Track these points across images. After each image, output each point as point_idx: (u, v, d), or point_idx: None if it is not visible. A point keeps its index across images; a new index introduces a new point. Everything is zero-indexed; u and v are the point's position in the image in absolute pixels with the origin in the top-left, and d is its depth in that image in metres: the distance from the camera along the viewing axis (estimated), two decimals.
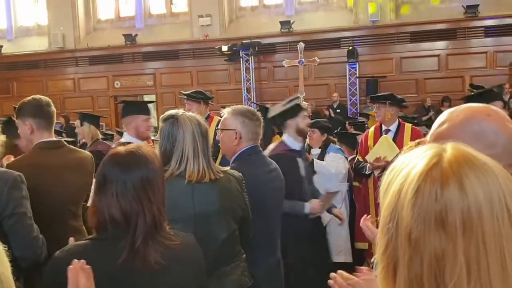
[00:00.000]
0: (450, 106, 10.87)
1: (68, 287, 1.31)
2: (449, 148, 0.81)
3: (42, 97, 2.68)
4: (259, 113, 2.67)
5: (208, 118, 4.54)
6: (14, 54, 14.39)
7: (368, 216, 2.10)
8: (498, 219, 0.73)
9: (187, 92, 4.62)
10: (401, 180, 0.79)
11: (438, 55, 12.04)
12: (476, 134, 1.18)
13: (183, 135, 2.05)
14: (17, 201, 2.13)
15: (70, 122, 10.85)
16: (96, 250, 1.50)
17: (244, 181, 2.21)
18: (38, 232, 2.20)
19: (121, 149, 1.56)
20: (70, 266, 1.34)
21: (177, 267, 1.55)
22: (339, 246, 4.49)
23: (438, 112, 10.57)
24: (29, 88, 14.05)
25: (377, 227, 4.04)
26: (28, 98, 2.66)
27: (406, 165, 0.81)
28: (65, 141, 4.65)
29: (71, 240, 1.61)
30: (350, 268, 4.46)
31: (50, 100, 2.69)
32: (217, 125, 4.14)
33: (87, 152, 2.85)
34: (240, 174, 2.21)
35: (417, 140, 2.36)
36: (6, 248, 1.05)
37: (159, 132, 2.15)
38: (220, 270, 2.08)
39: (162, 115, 2.18)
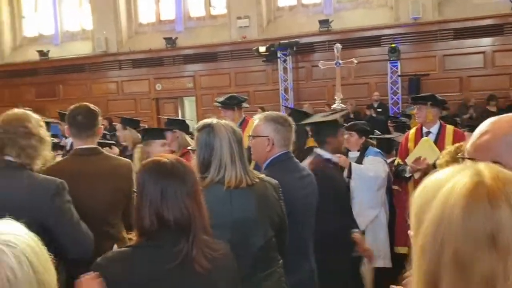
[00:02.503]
0: (497, 105, 10.55)
1: None
2: (484, 167, 0.79)
3: (82, 106, 2.72)
4: (290, 119, 2.66)
5: (243, 122, 4.55)
6: (60, 58, 14.94)
7: None
8: None
9: (221, 100, 4.64)
10: (443, 197, 0.78)
11: (483, 52, 11.60)
12: None
13: (220, 143, 2.08)
14: (61, 207, 2.22)
15: (113, 123, 11.16)
16: (139, 256, 1.54)
17: (280, 188, 2.21)
18: (87, 230, 2.30)
19: (163, 158, 1.60)
20: (83, 277, 1.39)
21: (218, 274, 1.59)
22: (378, 251, 4.39)
23: (481, 111, 10.27)
24: (75, 91, 14.61)
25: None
26: (73, 105, 2.74)
27: (445, 181, 0.79)
28: (106, 143, 4.83)
29: (115, 247, 1.66)
30: (389, 273, 4.39)
31: (90, 110, 2.70)
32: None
33: (124, 159, 2.88)
34: (277, 182, 2.22)
35: (456, 144, 2.28)
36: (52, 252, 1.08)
37: (195, 141, 2.19)
38: (257, 276, 2.09)
39: (197, 125, 2.20)
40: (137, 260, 1.49)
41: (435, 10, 11.93)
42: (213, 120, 2.18)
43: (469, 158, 1.30)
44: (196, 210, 1.56)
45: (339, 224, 3.22)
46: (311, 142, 4.54)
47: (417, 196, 0.86)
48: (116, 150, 4.87)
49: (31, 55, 15.22)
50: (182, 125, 4.76)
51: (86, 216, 2.46)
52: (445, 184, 0.79)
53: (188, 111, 14.68)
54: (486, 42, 11.56)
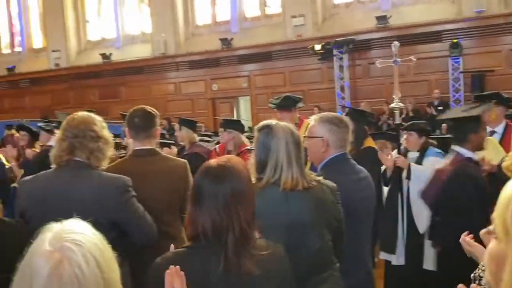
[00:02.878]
0: None
1: None
2: None
3: (139, 109, 2.80)
4: (347, 119, 2.63)
5: (298, 122, 4.52)
6: (122, 61, 15.56)
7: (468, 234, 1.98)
8: None
9: (276, 101, 4.60)
10: None
11: None
12: None
13: (277, 144, 2.09)
14: (129, 201, 2.37)
15: (172, 123, 11.47)
16: (191, 258, 1.58)
17: (338, 192, 2.18)
18: (151, 220, 2.43)
19: (213, 162, 1.63)
20: (167, 271, 1.44)
21: (263, 278, 1.58)
22: None
23: None
24: (136, 93, 15.16)
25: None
26: (132, 108, 2.85)
27: None
28: (165, 143, 4.97)
29: (172, 247, 1.72)
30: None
31: (147, 112, 2.78)
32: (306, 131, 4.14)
33: (181, 160, 2.95)
34: (335, 185, 2.18)
35: None
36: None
37: (254, 142, 2.21)
38: (313, 280, 2.08)
39: (257, 126, 2.23)
40: (187, 262, 1.52)
41: (500, 3, 11.32)
42: (273, 121, 2.19)
43: None
44: (248, 213, 1.57)
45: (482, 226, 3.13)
46: (368, 142, 4.46)
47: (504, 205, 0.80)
48: (174, 150, 5.02)
49: (95, 58, 15.96)
50: (238, 125, 4.82)
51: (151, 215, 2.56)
52: None
53: (243, 110, 14.82)
54: None
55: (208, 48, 14.34)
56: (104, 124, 2.45)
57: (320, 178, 2.21)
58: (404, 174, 4.28)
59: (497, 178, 4.09)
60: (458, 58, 11.54)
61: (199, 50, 14.52)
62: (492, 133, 4.26)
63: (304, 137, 2.64)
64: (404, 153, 4.40)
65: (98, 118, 2.43)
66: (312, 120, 2.60)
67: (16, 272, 1.05)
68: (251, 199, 1.62)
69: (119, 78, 15.61)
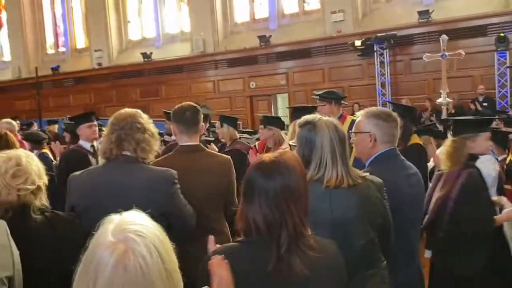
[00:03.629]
0: None
1: (212, 278, 1.42)
2: None
3: (187, 104, 2.85)
4: (395, 114, 2.57)
5: (341, 118, 4.48)
6: (162, 60, 15.82)
7: None
8: None
9: (319, 93, 4.61)
10: None
11: None
12: None
13: (321, 140, 2.06)
14: (176, 193, 2.44)
15: (212, 121, 11.61)
16: (243, 253, 1.57)
17: (384, 187, 2.13)
18: (193, 210, 2.50)
19: (266, 156, 1.62)
20: (211, 261, 1.44)
21: (319, 276, 1.56)
22: None
23: None
24: (175, 91, 15.40)
25: None
26: (179, 104, 2.89)
27: None
28: (207, 140, 5.01)
29: (211, 238, 1.72)
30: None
31: (195, 108, 2.83)
32: (350, 126, 4.09)
33: (224, 156, 2.95)
34: (381, 181, 2.13)
35: None
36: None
37: (296, 138, 2.19)
38: (357, 277, 2.04)
39: (299, 121, 2.21)
40: (239, 257, 1.52)
41: None
42: (316, 116, 2.16)
43: None
44: (300, 209, 1.55)
45: None
46: (415, 138, 4.35)
47: None
48: (213, 147, 5.04)
49: (136, 57, 16.31)
50: (278, 122, 4.81)
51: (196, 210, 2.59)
52: None
53: (281, 108, 14.80)
54: None
55: (246, 46, 14.38)
56: (150, 120, 2.49)
57: (366, 174, 2.17)
58: None
59: None
60: (504, 53, 11.11)
61: (237, 48, 14.58)
62: None
63: (351, 132, 2.61)
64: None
65: (144, 114, 2.48)
66: (359, 115, 2.56)
67: (79, 264, 1.08)
68: (304, 196, 1.59)
69: (160, 77, 15.88)
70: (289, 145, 3.54)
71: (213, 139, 5.74)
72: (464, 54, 3.61)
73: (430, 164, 4.38)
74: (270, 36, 14.09)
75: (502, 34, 11.06)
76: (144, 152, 2.38)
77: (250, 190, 1.57)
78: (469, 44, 11.15)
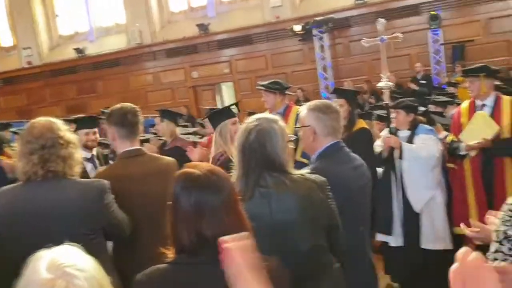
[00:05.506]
0: None
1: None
2: None
3: (129, 105, 2.71)
4: (335, 105, 2.52)
5: (286, 109, 4.42)
6: (97, 54, 15.16)
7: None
8: None
9: (263, 83, 4.53)
10: None
11: None
12: None
13: (240, 147, 1.99)
14: (109, 204, 2.32)
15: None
16: (183, 274, 1.44)
17: (328, 186, 2.05)
18: (124, 216, 2.40)
19: (191, 170, 1.49)
20: (226, 244, 1.29)
21: None
22: (437, 233, 4.20)
23: None
24: (114, 86, 14.85)
25: (478, 211, 3.68)
26: (117, 105, 2.72)
27: None
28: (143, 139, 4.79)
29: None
30: (450, 255, 4.19)
31: (136, 109, 2.70)
32: (296, 117, 4.02)
33: (169, 159, 2.81)
34: (324, 179, 2.04)
35: None
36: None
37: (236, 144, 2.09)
38: (309, 285, 1.94)
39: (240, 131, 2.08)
40: (178, 279, 1.40)
41: None
42: (253, 119, 2.05)
43: None
44: (236, 222, 1.44)
45: None
46: (360, 123, 4.36)
47: None
48: (151, 146, 4.83)
49: (68, 53, 15.52)
50: (229, 114, 4.66)
51: (138, 219, 2.48)
52: None
53: (227, 96, 14.64)
54: None
55: (185, 35, 14.05)
56: (67, 127, 2.30)
57: (306, 173, 2.07)
58: (397, 153, 4.21)
59: (492, 153, 4.05)
60: (437, 30, 11.48)
61: (176, 38, 14.21)
62: (483, 106, 4.18)
63: (296, 127, 2.54)
64: (394, 132, 4.32)
65: (58, 121, 2.27)
66: (302, 109, 2.50)
67: None
68: (237, 207, 1.49)
69: (96, 72, 15.23)
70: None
71: (147, 137, 5.51)
72: (401, 36, 3.64)
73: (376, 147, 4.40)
74: (209, 24, 13.83)
75: (433, 12, 11.40)
76: (71, 168, 2.20)
77: (179, 204, 1.44)
78: (404, 23, 11.42)
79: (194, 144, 4.85)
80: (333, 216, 2.05)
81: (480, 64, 4.35)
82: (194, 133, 6.52)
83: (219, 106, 12.48)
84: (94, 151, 4.15)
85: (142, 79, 14.93)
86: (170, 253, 1.49)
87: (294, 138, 2.11)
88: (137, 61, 14.85)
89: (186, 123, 8.20)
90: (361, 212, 2.49)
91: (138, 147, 2.74)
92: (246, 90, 13.08)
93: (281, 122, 2.04)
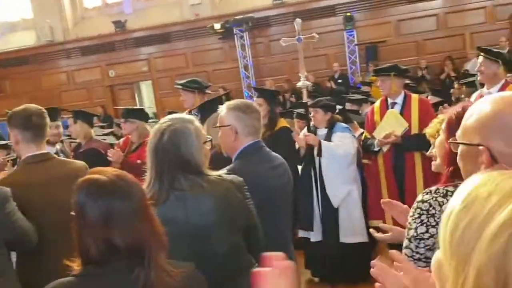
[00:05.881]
0: (453, 64, 10.67)
1: None
2: None
3: (33, 107, 2.54)
4: (255, 105, 2.51)
5: None
6: (3, 51, 14.09)
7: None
8: None
9: (181, 82, 4.42)
10: (505, 231, 0.56)
11: (436, 15, 11.68)
12: (504, 127, 1.07)
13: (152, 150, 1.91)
14: (11, 213, 2.23)
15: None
16: (88, 287, 1.35)
17: (245, 186, 2.02)
18: (30, 225, 2.29)
19: (96, 176, 1.39)
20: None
21: None
22: (354, 227, 4.36)
23: (438, 73, 10.41)
24: (23, 86, 13.90)
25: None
26: (19, 107, 2.55)
27: (499, 205, 0.58)
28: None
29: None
30: (367, 247, 4.34)
31: (43, 111, 2.55)
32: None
33: (79, 162, 2.67)
34: (241, 179, 2.02)
35: (440, 117, 2.18)
36: None
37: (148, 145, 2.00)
38: (228, 286, 1.92)
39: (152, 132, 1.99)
40: None
41: None
42: (164, 121, 1.96)
43: (459, 143, 1.22)
44: (148, 229, 1.37)
45: None
46: (282, 122, 4.40)
47: (451, 220, 0.63)
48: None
49: None
50: (140, 114, 4.51)
51: (45, 228, 2.34)
52: (503, 207, 0.57)
53: (146, 96, 14.25)
54: (438, 4, 11.63)
55: (100, 32, 13.47)
56: None
57: (223, 174, 2.04)
58: (316, 151, 4.31)
59: (402, 148, 4.26)
60: (352, 31, 11.98)
61: (90, 35, 13.59)
62: (393, 104, 4.38)
63: (215, 127, 2.49)
64: (313, 131, 4.41)
65: None
66: (221, 108, 2.45)
67: None
68: (148, 213, 1.42)
69: (2, 71, 14.16)
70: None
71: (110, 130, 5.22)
72: (317, 36, 3.70)
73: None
74: (125, 21, 13.38)
75: (348, 14, 11.88)
76: None
77: (89, 214, 1.35)
78: (321, 24, 11.79)
79: (111, 145, 4.65)
80: (251, 217, 2.02)
81: (390, 64, 4.57)
82: (112, 134, 6.26)
83: (138, 105, 12.14)
84: (58, 146, 3.94)
85: (55, 78, 14.13)
86: (75, 265, 1.39)
87: (210, 139, 2.04)
88: (48, 59, 14.02)
89: (102, 124, 7.86)
90: (282, 212, 2.48)
91: (45, 151, 2.56)
92: (166, 89, 12.82)
93: (197, 122, 1.98)
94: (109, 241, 1.33)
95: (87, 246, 1.34)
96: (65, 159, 2.90)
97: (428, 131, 2.16)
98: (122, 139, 4.84)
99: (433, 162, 2.16)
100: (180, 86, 4.43)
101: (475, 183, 0.63)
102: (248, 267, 2.01)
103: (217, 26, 12.25)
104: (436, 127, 2.07)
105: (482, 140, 1.11)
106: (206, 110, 3.47)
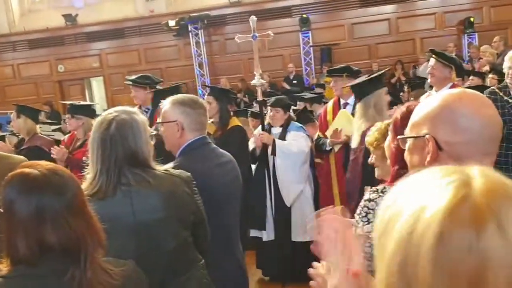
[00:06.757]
0: (403, 69, 11.00)
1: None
2: (477, 174, 0.58)
3: None
4: (201, 101, 2.45)
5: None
6: None
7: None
8: None
9: (132, 78, 4.29)
10: (412, 217, 0.56)
11: (388, 19, 11.99)
12: (448, 120, 1.13)
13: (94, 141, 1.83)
14: None
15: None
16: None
17: (194, 181, 1.97)
18: None
19: (27, 170, 1.29)
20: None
21: None
22: (306, 225, 4.37)
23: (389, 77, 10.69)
24: None
25: (341, 203, 3.87)
26: None
27: (416, 196, 0.58)
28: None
29: None
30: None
31: None
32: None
33: (19, 157, 2.53)
34: (189, 174, 1.96)
35: (386, 121, 2.20)
36: None
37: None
38: (174, 282, 1.87)
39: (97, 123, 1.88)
40: None
41: None
42: (108, 113, 1.87)
43: (407, 137, 1.24)
44: (84, 226, 1.30)
45: None
46: (234, 121, 4.34)
47: (380, 210, 0.64)
48: (4, 144, 4.35)
49: None
50: (86, 110, 4.34)
51: None
52: (415, 199, 0.58)
53: (97, 92, 13.84)
54: (390, 9, 11.95)
55: (49, 25, 12.95)
56: None
57: (170, 169, 1.98)
58: (270, 150, 4.29)
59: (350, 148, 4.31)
60: (307, 33, 12.10)
61: (39, 28, 13.04)
62: (345, 105, 4.43)
63: (157, 123, 2.40)
64: (268, 129, 4.39)
65: None
66: (164, 104, 2.35)
67: None
68: (84, 209, 1.34)
69: None
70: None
71: (2, 135, 4.96)
72: (272, 35, 3.67)
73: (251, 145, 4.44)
74: (76, 15, 12.95)
75: (304, 15, 12.00)
76: None
77: (19, 210, 1.25)
78: (278, 24, 11.82)
79: (56, 142, 4.45)
80: (198, 212, 1.98)
81: (343, 65, 4.62)
82: (59, 131, 6.03)
83: (89, 101, 11.76)
84: None
85: None
86: (3, 266, 1.29)
87: (154, 133, 1.96)
88: None
89: (50, 121, 7.56)
90: (229, 210, 2.43)
91: None
92: (117, 85, 12.49)
93: (142, 115, 1.89)
94: (41, 240, 1.25)
95: (17, 245, 1.26)
96: (4, 154, 2.73)
97: (367, 139, 2.18)
98: (67, 135, 4.65)
99: (376, 170, 2.18)
100: (130, 82, 4.31)
101: (408, 179, 0.64)
102: (196, 263, 1.96)
103: (172, 23, 12.07)
104: (374, 135, 2.10)
105: (429, 130, 1.15)
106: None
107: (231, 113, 4.48)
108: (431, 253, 0.54)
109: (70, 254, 1.26)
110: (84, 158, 3.43)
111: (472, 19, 11.20)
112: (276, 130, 4.42)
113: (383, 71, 4.14)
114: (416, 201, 0.58)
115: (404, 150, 1.26)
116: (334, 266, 1.00)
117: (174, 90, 3.53)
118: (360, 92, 3.66)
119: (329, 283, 0.99)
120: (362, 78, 3.82)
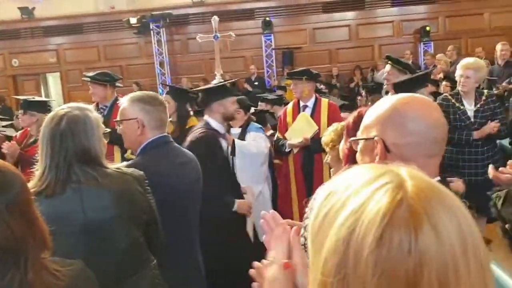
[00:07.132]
0: (361, 74, 11.27)
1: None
2: (407, 176, 0.60)
3: None
4: (161, 98, 2.41)
5: (116, 102, 4.17)
6: None
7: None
8: (471, 272, 0.55)
9: (90, 75, 4.20)
10: (350, 219, 0.57)
11: (349, 25, 12.25)
12: (396, 123, 1.17)
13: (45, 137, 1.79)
14: None
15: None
16: None
17: (146, 180, 1.94)
18: None
19: None
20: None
21: None
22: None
23: (347, 81, 10.90)
24: None
25: (299, 203, 3.90)
26: None
27: (353, 195, 0.59)
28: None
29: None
30: None
31: None
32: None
33: None
34: (141, 173, 1.93)
35: (342, 123, 2.26)
36: None
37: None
38: (124, 283, 1.83)
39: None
40: None
41: None
42: (61, 109, 1.83)
43: (358, 139, 1.28)
44: (26, 226, 1.24)
45: None
46: (193, 121, 4.32)
47: (316, 208, 0.63)
48: None
49: None
50: (41, 106, 4.20)
51: None
52: (352, 198, 0.59)
53: (53, 88, 13.43)
54: (350, 16, 12.21)
55: (4, 18, 12.47)
56: None
57: (123, 165, 1.95)
58: (229, 150, 4.29)
59: (312, 150, 4.38)
60: (270, 36, 12.19)
61: None
62: (305, 107, 4.50)
63: (116, 121, 2.34)
64: (227, 130, 4.39)
65: None
66: (122, 101, 2.31)
67: None
68: (28, 209, 1.28)
69: None
70: None
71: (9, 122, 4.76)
72: (234, 36, 3.71)
73: None
74: (33, 8, 12.53)
75: (267, 18, 12.07)
76: None
77: None
78: (240, 26, 11.86)
79: (7, 138, 4.30)
80: (151, 211, 1.95)
81: (303, 68, 4.69)
82: (11, 126, 5.82)
83: (45, 97, 11.39)
84: None
85: None
86: None
87: (108, 131, 1.92)
88: None
89: (1, 116, 7.28)
90: (189, 210, 2.41)
91: None
92: (75, 82, 12.18)
93: (95, 113, 1.86)
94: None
95: None
96: None
97: (323, 139, 2.23)
98: (19, 132, 4.50)
99: (331, 170, 2.24)
100: (89, 79, 4.21)
101: (341, 176, 0.65)
102: (148, 263, 1.94)
103: (133, 20, 11.88)
104: (330, 136, 2.15)
105: (378, 133, 1.19)
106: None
107: (191, 113, 4.46)
108: (372, 256, 0.55)
109: (9, 256, 1.20)
110: (36, 155, 3.34)
111: (428, 28, 11.61)
112: (236, 131, 4.43)
113: (427, 70, 4.11)
114: (354, 199, 0.59)
115: (356, 151, 1.30)
116: (273, 260, 1.02)
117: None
118: (403, 90, 3.68)
119: (265, 275, 1.01)
120: (406, 77, 3.77)
